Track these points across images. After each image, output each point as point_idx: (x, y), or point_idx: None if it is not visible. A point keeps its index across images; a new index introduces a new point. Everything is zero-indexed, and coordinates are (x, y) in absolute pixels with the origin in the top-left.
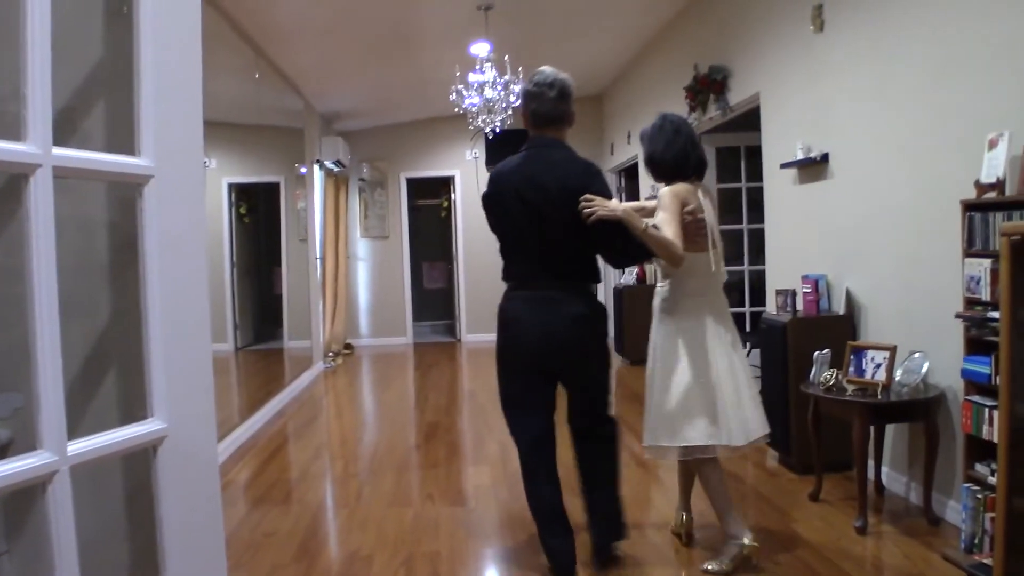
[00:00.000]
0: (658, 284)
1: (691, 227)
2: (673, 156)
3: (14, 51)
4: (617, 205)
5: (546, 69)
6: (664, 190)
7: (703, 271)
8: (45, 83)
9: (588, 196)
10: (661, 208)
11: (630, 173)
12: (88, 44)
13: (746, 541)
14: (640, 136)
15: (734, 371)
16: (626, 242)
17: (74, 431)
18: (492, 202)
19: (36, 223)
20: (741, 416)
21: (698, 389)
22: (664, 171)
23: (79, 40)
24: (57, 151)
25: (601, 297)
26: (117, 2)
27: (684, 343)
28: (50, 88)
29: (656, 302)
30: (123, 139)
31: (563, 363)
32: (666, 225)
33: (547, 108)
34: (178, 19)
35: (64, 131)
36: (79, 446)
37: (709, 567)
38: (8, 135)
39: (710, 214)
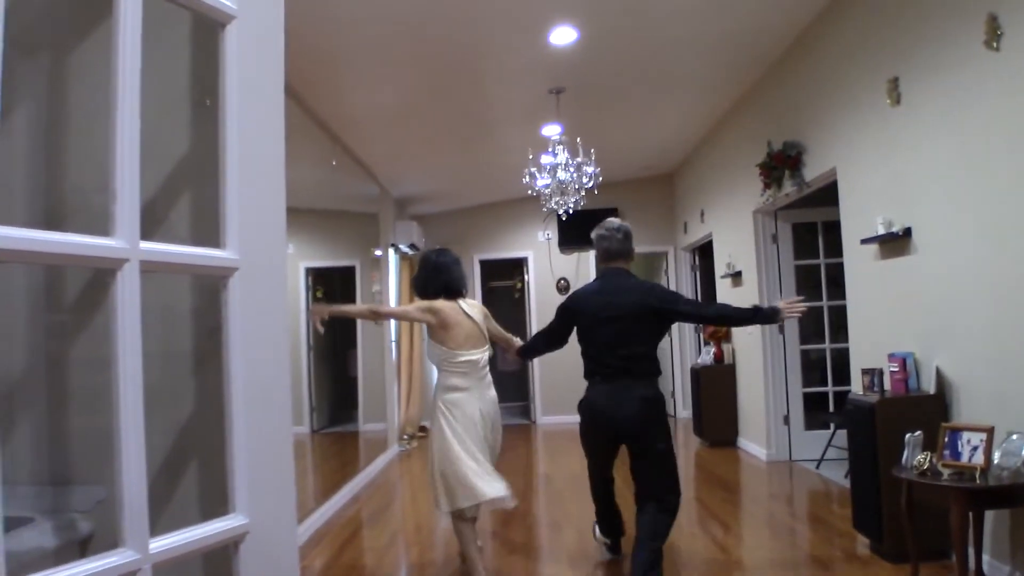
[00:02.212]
0: (486, 380)
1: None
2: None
3: (98, 143)
4: None
5: (614, 220)
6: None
7: None
8: (134, 178)
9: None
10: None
11: (704, 251)
12: (173, 135)
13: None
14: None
15: None
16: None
17: (155, 526)
18: (569, 315)
19: (122, 317)
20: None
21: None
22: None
23: (165, 131)
24: (144, 245)
25: (678, 378)
26: (200, 94)
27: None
28: (138, 182)
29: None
30: (207, 229)
31: (634, 432)
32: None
33: (616, 246)
34: (263, 114)
35: (150, 222)
36: (161, 543)
37: None
38: (92, 227)
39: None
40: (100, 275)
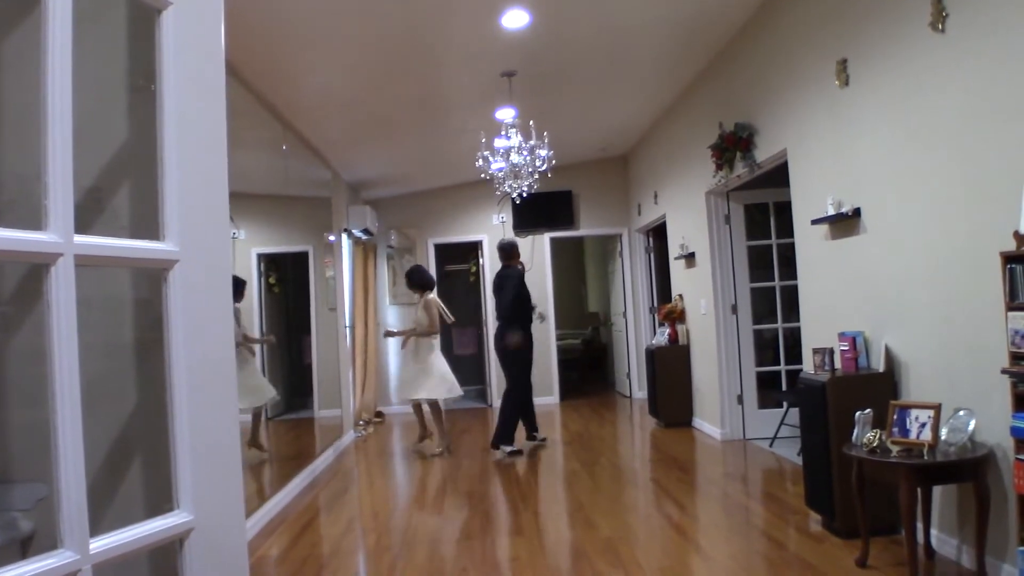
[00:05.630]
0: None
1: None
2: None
3: (34, 131)
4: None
5: (508, 239)
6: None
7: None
8: (67, 170)
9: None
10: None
11: (658, 233)
12: (112, 121)
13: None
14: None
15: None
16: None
17: (97, 524)
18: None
19: (57, 312)
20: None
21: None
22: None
23: (103, 116)
24: (79, 239)
25: (633, 359)
26: (140, 79)
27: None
28: (71, 175)
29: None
30: (149, 218)
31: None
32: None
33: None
34: (202, 103)
35: (89, 212)
36: (102, 543)
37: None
38: (31, 219)
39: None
40: (35, 268)
